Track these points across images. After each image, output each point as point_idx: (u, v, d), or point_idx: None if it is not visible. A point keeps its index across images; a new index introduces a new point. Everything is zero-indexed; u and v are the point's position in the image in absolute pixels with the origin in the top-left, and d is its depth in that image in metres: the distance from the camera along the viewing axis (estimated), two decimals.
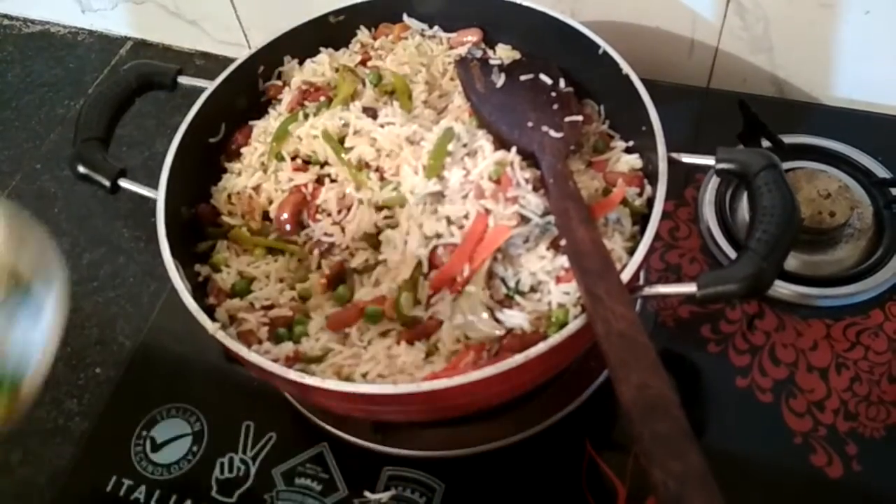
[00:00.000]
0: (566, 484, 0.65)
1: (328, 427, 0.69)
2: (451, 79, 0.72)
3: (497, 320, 0.56)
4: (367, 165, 0.64)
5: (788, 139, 0.80)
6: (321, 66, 0.74)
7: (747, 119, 0.78)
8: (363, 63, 0.74)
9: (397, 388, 0.51)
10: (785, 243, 0.53)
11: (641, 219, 0.62)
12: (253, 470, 0.68)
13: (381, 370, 0.55)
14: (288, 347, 0.57)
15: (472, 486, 0.66)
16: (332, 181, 0.65)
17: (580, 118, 0.68)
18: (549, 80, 0.70)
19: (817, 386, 0.68)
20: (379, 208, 0.61)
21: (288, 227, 0.64)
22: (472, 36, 0.76)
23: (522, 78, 0.70)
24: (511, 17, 0.74)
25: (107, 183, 0.64)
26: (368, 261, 0.61)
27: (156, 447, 0.70)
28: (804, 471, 0.63)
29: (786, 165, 0.77)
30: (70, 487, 0.70)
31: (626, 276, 0.54)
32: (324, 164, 0.66)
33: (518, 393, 0.60)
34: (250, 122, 0.73)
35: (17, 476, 0.72)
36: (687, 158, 0.61)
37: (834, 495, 0.62)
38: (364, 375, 0.55)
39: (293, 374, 0.53)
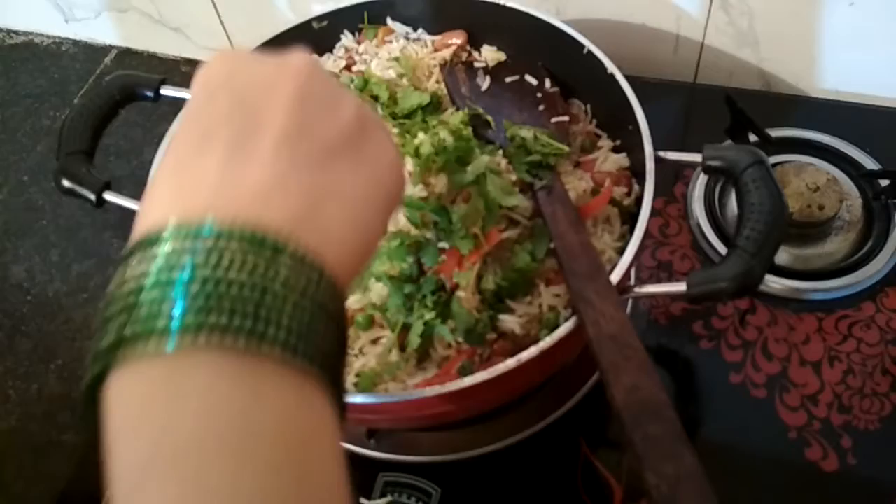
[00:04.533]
0: (562, 485, 0.65)
1: None
2: (437, 82, 0.72)
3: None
4: None
5: (776, 133, 0.80)
6: None
7: (734, 114, 0.78)
8: (348, 68, 0.74)
9: (389, 396, 0.51)
10: (774, 240, 0.53)
11: (630, 217, 0.62)
12: None
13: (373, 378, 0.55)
14: None
15: (469, 489, 0.65)
16: None
17: (567, 118, 0.68)
18: (534, 81, 0.70)
19: (810, 380, 0.68)
20: None
21: None
22: (456, 38, 0.75)
23: (508, 80, 0.70)
24: (495, 19, 0.73)
25: (92, 196, 0.64)
26: None
27: None
28: (799, 465, 0.63)
29: (774, 159, 0.78)
30: (64, 502, 0.69)
31: (615, 277, 0.53)
32: None
33: (511, 397, 0.60)
34: None
35: (11, 491, 0.72)
36: (674, 156, 0.60)
37: (830, 489, 0.62)
38: (356, 385, 0.55)
39: None
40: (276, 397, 0.25)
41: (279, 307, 0.25)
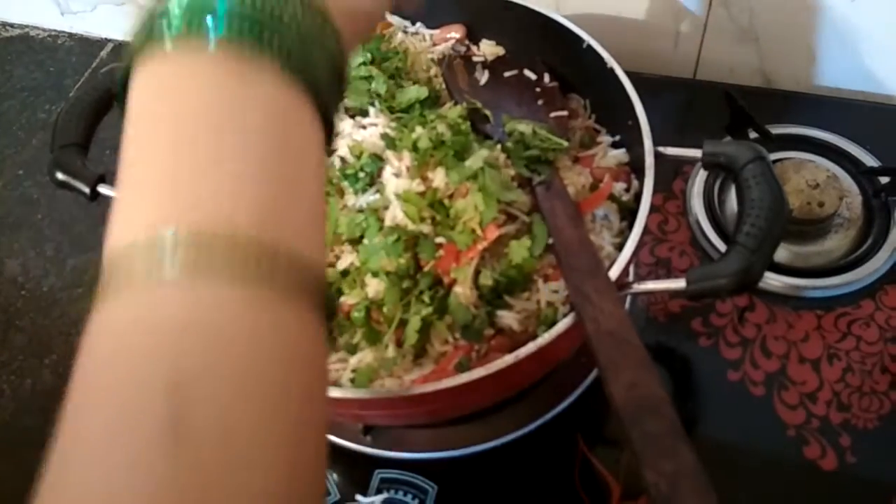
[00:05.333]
0: (560, 482, 0.64)
1: None
2: (435, 76, 0.72)
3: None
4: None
5: (776, 130, 0.80)
6: None
7: (734, 110, 0.77)
8: None
9: (385, 392, 0.50)
10: (773, 237, 0.53)
11: (630, 214, 0.61)
12: None
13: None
14: None
15: (465, 486, 0.65)
16: None
17: (566, 113, 0.67)
18: (533, 76, 0.70)
19: (809, 378, 0.67)
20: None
21: None
22: (455, 32, 0.75)
23: (506, 74, 0.70)
24: (494, 13, 0.73)
25: (86, 190, 0.63)
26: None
27: None
28: (798, 463, 0.63)
29: (774, 156, 0.77)
30: None
31: (614, 274, 0.53)
32: None
33: (509, 393, 0.60)
34: None
35: (5, 486, 0.71)
36: (673, 152, 0.60)
37: (828, 487, 0.62)
38: (352, 380, 0.55)
39: None
40: (267, 98, 0.30)
41: (282, 30, 0.30)
